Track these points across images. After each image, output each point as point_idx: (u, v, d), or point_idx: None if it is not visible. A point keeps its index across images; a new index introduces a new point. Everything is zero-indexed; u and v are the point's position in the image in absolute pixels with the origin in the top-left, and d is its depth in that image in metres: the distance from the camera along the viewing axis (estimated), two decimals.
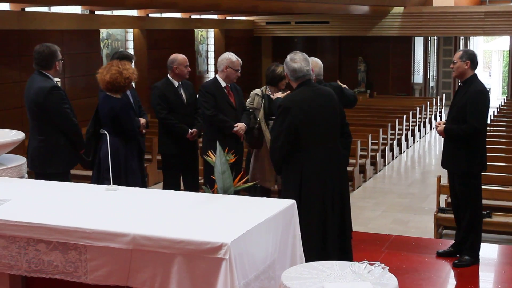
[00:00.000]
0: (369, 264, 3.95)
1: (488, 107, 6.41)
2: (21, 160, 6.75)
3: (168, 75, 7.56)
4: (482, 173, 9.66)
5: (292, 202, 4.42)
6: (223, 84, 7.33)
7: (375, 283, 3.69)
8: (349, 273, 3.83)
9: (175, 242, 3.67)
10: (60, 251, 3.90)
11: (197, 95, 7.74)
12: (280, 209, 4.26)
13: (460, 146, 6.39)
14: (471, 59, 6.38)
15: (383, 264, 3.94)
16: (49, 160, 6.47)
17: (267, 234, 4.05)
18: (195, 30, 22.31)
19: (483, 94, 6.35)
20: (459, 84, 6.54)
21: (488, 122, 18.16)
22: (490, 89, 31.26)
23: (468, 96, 6.27)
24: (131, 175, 6.53)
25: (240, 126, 7.15)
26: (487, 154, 12.34)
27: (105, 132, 5.40)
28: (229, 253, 3.57)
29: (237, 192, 5.03)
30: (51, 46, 6.58)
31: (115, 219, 4.01)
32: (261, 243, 3.97)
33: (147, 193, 4.77)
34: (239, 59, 7.42)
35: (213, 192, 4.79)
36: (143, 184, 6.99)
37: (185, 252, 3.65)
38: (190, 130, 7.44)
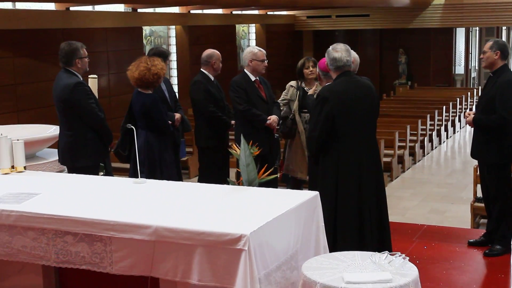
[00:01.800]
0: (390, 254, 3.92)
1: None
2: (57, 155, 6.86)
3: (203, 70, 7.49)
4: None
5: (315, 193, 4.40)
6: (253, 78, 7.28)
7: (395, 273, 3.66)
8: (370, 264, 3.81)
9: (196, 233, 3.68)
10: (86, 242, 3.94)
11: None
12: (302, 200, 4.24)
13: (489, 137, 6.29)
14: (501, 49, 6.26)
15: (404, 255, 3.90)
16: (78, 154, 6.47)
17: (288, 225, 4.03)
18: (236, 25, 22.30)
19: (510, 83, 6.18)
20: (490, 74, 6.39)
21: None
22: None
23: (498, 86, 6.16)
24: (165, 168, 6.55)
25: (273, 119, 7.12)
26: None
27: (132, 126, 5.42)
28: (248, 244, 3.56)
29: (269, 184, 5.02)
30: (72, 44, 6.53)
31: (139, 212, 4.03)
32: (283, 234, 3.95)
33: (173, 186, 4.77)
34: (262, 50, 7.37)
35: (238, 185, 4.79)
36: (179, 176, 7.01)
37: (206, 244, 3.66)
38: (232, 122, 7.47)
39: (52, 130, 7.11)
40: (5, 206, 4.18)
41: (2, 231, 4.16)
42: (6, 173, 5.14)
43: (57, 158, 6.94)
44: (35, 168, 6.21)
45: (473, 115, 6.36)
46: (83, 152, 6.49)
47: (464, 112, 6.18)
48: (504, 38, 27.09)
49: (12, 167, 5.19)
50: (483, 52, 6.37)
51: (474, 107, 17.80)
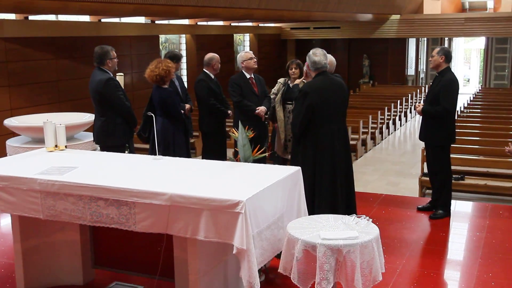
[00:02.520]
0: (357, 217, 3.93)
1: (457, 93, 6.37)
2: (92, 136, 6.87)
3: (205, 70, 7.46)
4: (459, 145, 9.54)
5: (298, 168, 4.39)
6: (248, 75, 7.27)
7: (361, 232, 3.68)
8: (341, 224, 3.82)
9: (202, 199, 3.67)
10: (115, 206, 3.94)
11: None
12: (288, 174, 4.24)
13: (434, 123, 6.37)
14: (446, 54, 6.38)
15: (367, 217, 3.92)
16: (109, 135, 6.50)
17: (276, 193, 4.04)
18: (234, 34, 22.27)
19: (454, 82, 6.31)
20: (436, 74, 6.45)
21: (463, 106, 18.05)
22: (469, 79, 30.80)
23: (442, 84, 6.26)
24: (177, 148, 6.55)
25: (261, 109, 7.10)
26: (464, 132, 12.25)
27: (151, 114, 5.42)
28: (245, 208, 3.57)
29: (260, 161, 5.02)
30: (104, 47, 6.55)
31: (157, 182, 4.02)
32: (272, 200, 3.97)
33: (184, 162, 4.76)
34: (248, 51, 7.44)
35: (236, 161, 4.80)
36: (188, 155, 6.99)
37: (211, 207, 3.65)
38: (229, 111, 7.46)
39: (86, 117, 7.10)
40: (50, 177, 4.17)
41: (47, 197, 4.15)
42: (50, 151, 5.12)
43: (92, 139, 6.96)
44: (74, 147, 6.20)
45: (422, 106, 6.42)
46: (113, 134, 6.50)
47: (415, 105, 6.25)
48: (445, 45, 27.14)
49: (56, 146, 5.17)
50: (431, 56, 6.46)
51: (422, 100, 17.94)
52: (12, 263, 5.13)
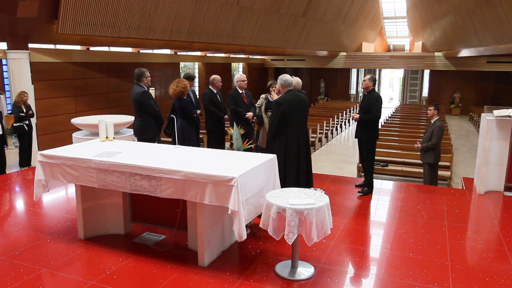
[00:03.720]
0: (314, 189, 3.93)
1: (381, 105, 6.36)
2: (132, 131, 6.80)
3: (210, 87, 7.43)
4: (385, 142, 9.52)
5: (273, 156, 4.37)
6: (240, 91, 7.25)
7: (316, 200, 3.67)
8: (303, 194, 3.81)
9: (208, 176, 3.65)
10: (147, 179, 3.90)
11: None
12: (267, 159, 4.22)
13: (365, 126, 6.35)
14: (373, 80, 6.38)
15: (322, 190, 3.91)
16: (143, 131, 6.48)
17: (259, 172, 4.02)
18: (232, 63, 22.23)
19: (380, 98, 6.32)
20: (365, 93, 6.44)
21: (388, 116, 18.07)
22: (392, 98, 30.97)
23: (372, 100, 6.25)
24: (191, 141, 6.50)
25: (250, 114, 7.08)
26: (388, 133, 12.24)
27: (173, 116, 5.40)
28: (237, 182, 3.55)
29: (248, 150, 5.00)
30: (141, 69, 6.54)
31: (176, 163, 3.98)
32: (255, 177, 3.94)
33: (195, 150, 4.72)
34: (243, 75, 7.40)
35: (231, 150, 4.78)
36: (198, 145, 6.94)
37: (213, 181, 3.63)
38: (225, 116, 7.41)
39: (128, 118, 7.02)
40: (102, 159, 4.13)
41: (100, 172, 4.10)
42: (103, 141, 5.07)
43: (132, 133, 6.91)
44: (119, 138, 6.12)
45: (358, 115, 6.41)
46: (146, 130, 6.47)
47: (353, 114, 6.20)
48: (377, 74, 27.20)
49: (106, 137, 5.12)
50: (363, 81, 6.45)
51: (358, 110, 18.16)
52: (75, 218, 5.08)
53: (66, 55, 12.00)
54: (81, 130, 7.42)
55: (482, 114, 6.73)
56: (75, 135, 7.11)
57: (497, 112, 6.42)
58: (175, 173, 3.77)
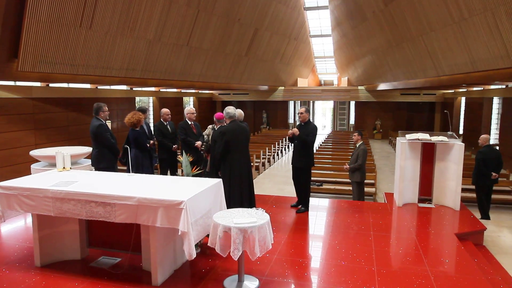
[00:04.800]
0: (256, 209, 3.92)
1: (316, 132, 6.30)
2: (89, 162, 6.51)
3: (161, 119, 7.33)
4: (320, 165, 9.66)
5: (219, 180, 4.33)
6: (190, 122, 7.20)
7: (258, 218, 3.66)
8: (247, 214, 3.79)
9: (159, 200, 3.55)
10: (102, 206, 3.73)
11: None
12: (214, 183, 4.17)
13: (301, 153, 6.28)
14: (309, 111, 6.42)
15: (262, 209, 3.92)
16: (99, 161, 6.25)
17: (207, 195, 3.96)
18: (183, 97, 22.07)
19: (315, 127, 6.28)
20: (302, 123, 6.38)
21: (323, 140, 18.52)
22: (325, 126, 31.91)
23: (309, 129, 6.21)
24: (145, 169, 6.30)
25: (198, 143, 7.02)
26: (322, 157, 12.51)
27: (127, 146, 5.24)
28: (186, 206, 3.48)
29: (196, 176, 4.92)
30: (99, 104, 6.40)
31: (130, 190, 3.84)
32: (203, 200, 3.88)
33: (148, 177, 4.59)
34: (192, 108, 7.34)
35: (181, 175, 4.69)
36: (152, 173, 6.75)
37: (164, 205, 3.54)
38: (174, 146, 7.28)
39: (85, 150, 6.71)
40: (59, 188, 3.91)
41: (57, 201, 3.88)
42: (60, 171, 4.82)
43: (89, 163, 6.61)
44: (77, 168, 5.84)
45: (297, 132, 6.26)
46: (102, 160, 6.23)
47: (294, 130, 6.07)
48: (311, 105, 27.98)
49: (64, 167, 4.87)
50: (300, 113, 6.39)
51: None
52: (32, 246, 4.74)
53: (26, 91, 11.43)
54: (40, 161, 7.02)
55: (397, 138, 7.09)
56: (33, 166, 6.70)
57: (408, 136, 6.79)
58: (128, 199, 3.63)
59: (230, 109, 5.43)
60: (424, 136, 6.68)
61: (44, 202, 3.92)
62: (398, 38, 12.45)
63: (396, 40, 12.74)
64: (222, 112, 5.73)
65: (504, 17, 6.94)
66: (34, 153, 6.79)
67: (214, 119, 6.46)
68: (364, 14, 14.43)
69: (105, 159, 6.26)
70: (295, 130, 6.22)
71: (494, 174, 7.51)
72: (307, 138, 6.14)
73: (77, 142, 12.58)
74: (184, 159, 4.57)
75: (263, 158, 14.37)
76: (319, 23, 22.55)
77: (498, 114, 16.06)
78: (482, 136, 7.76)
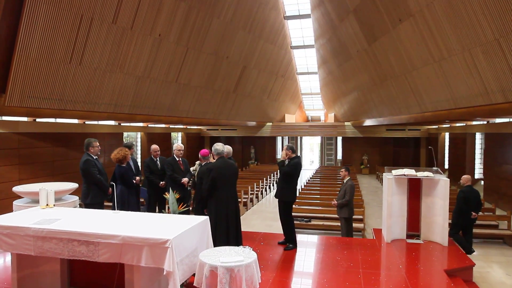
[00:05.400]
0: (243, 247, 3.86)
1: (295, 167, 6.24)
2: (75, 198, 6.38)
3: (151, 155, 7.31)
4: (308, 200, 9.59)
5: (206, 217, 4.27)
6: (177, 158, 7.17)
7: (245, 257, 3.60)
8: (233, 252, 3.72)
9: (144, 239, 3.48)
10: (85, 245, 3.63)
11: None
12: (200, 221, 4.12)
13: (283, 186, 6.26)
14: (291, 148, 6.45)
15: (249, 247, 3.85)
16: (87, 196, 6.16)
17: (193, 233, 3.90)
18: (171, 133, 22.09)
19: (295, 163, 6.28)
20: (287, 160, 6.42)
21: (311, 175, 18.54)
22: (313, 161, 32.08)
23: (292, 164, 6.25)
24: (131, 206, 6.22)
25: (185, 179, 6.97)
26: (310, 192, 12.46)
27: (113, 183, 5.18)
28: (171, 244, 3.41)
29: (183, 213, 4.85)
30: (89, 139, 6.40)
31: (114, 228, 3.77)
32: (190, 238, 3.82)
33: (133, 214, 4.51)
34: (180, 145, 7.34)
35: (168, 213, 4.62)
36: (138, 209, 6.64)
37: (149, 244, 3.46)
38: (161, 183, 7.21)
39: (70, 186, 6.60)
40: (40, 226, 3.81)
41: (38, 240, 3.76)
42: (43, 208, 4.71)
43: (74, 199, 6.49)
44: (60, 205, 5.71)
45: (286, 158, 6.32)
46: (90, 195, 6.15)
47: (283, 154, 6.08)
48: (298, 140, 28.21)
49: (47, 204, 4.76)
50: (284, 150, 6.46)
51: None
52: None
53: (12, 126, 11.33)
54: (23, 197, 6.86)
55: (384, 173, 7.15)
56: (16, 203, 6.53)
57: (395, 172, 6.85)
58: (112, 237, 3.55)
59: (218, 146, 5.44)
60: (410, 171, 6.75)
61: (25, 240, 3.80)
62: (382, 75, 12.83)
63: (380, 78, 13.11)
64: (209, 149, 5.75)
65: (481, 57, 7.23)
66: (17, 189, 6.64)
67: (199, 155, 6.46)
68: (349, 52, 14.90)
69: (92, 195, 6.18)
70: (283, 154, 6.32)
71: (474, 213, 7.66)
72: (281, 168, 6.21)
73: (62, 177, 12.39)
74: (170, 196, 4.52)
75: (251, 194, 14.27)
76: (306, 61, 23.17)
77: (481, 149, 16.39)
78: (464, 176, 7.97)
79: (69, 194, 7.21)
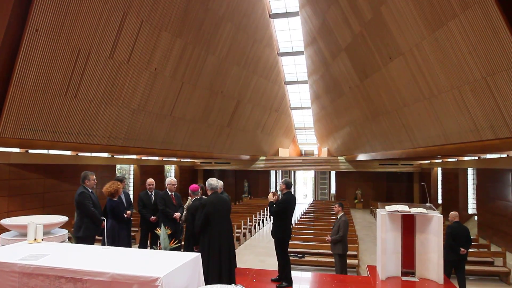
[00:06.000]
0: (235, 285, 3.76)
1: (286, 204, 6.18)
2: (64, 231, 6.23)
3: (147, 189, 7.26)
4: (301, 236, 9.48)
5: (198, 254, 4.18)
6: (170, 193, 7.12)
7: None
8: None
9: (134, 276, 3.38)
10: (72, 282, 3.52)
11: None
12: (192, 258, 4.03)
13: (276, 225, 6.20)
14: (286, 183, 6.43)
15: (242, 286, 3.76)
16: (78, 229, 6.08)
17: (184, 270, 3.81)
18: (165, 165, 21.99)
19: (284, 199, 6.19)
20: (282, 194, 6.41)
21: (305, 210, 18.40)
22: (307, 195, 31.89)
23: (281, 201, 6.20)
24: (121, 241, 6.10)
25: (177, 214, 6.89)
26: (304, 227, 12.33)
27: (104, 218, 5.10)
28: (162, 282, 3.32)
29: (175, 249, 4.76)
30: (86, 172, 6.43)
31: (103, 265, 3.67)
32: (181, 276, 3.72)
33: (123, 250, 4.41)
34: (173, 179, 7.31)
35: (159, 249, 4.53)
36: (129, 245, 6.51)
37: (139, 282, 3.37)
38: (152, 217, 7.11)
39: (60, 219, 6.47)
40: (27, 262, 3.70)
41: (24, 276, 3.65)
42: (31, 243, 4.59)
43: (63, 233, 6.36)
44: (49, 240, 5.58)
45: (276, 198, 6.28)
46: (82, 228, 6.06)
47: (274, 195, 5.99)
48: (292, 174, 28.16)
49: (35, 239, 4.66)
50: (279, 184, 6.48)
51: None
52: None
53: (4, 157, 11.23)
54: (11, 231, 6.70)
55: (377, 209, 7.12)
56: (3, 236, 6.36)
57: (388, 208, 6.83)
58: (101, 275, 3.45)
59: (213, 181, 5.43)
60: (403, 208, 6.73)
61: (10, 277, 3.68)
62: (374, 111, 13.03)
63: (372, 114, 13.31)
64: (202, 183, 5.71)
65: (470, 94, 7.40)
66: (4, 222, 6.48)
67: (189, 191, 6.41)
68: (341, 88, 15.19)
69: (84, 228, 6.08)
70: (272, 196, 6.27)
71: (462, 249, 7.65)
72: (271, 209, 6.18)
73: (53, 209, 12.17)
74: (162, 232, 4.45)
75: (244, 229, 14.07)
76: (299, 96, 23.54)
77: (473, 184, 16.46)
78: (451, 213, 8.07)
79: (59, 228, 7.08)
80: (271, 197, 6.24)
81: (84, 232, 6.09)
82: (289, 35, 19.38)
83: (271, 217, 6.27)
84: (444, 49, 7.43)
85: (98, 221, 6.24)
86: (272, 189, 27.81)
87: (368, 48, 10.86)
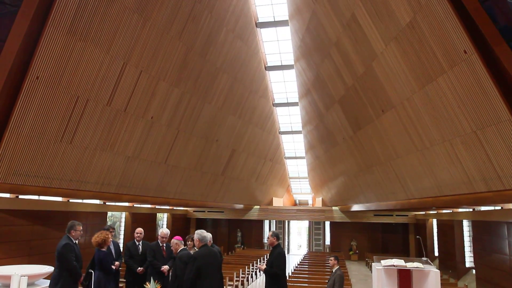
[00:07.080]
0: None
1: (283, 260, 6.08)
2: (47, 283, 6.01)
3: (135, 239, 7.09)
4: None
5: None
6: (161, 244, 6.97)
7: None
8: None
9: None
10: None
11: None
12: None
13: (271, 282, 6.04)
14: (276, 235, 6.34)
15: None
16: (55, 284, 5.80)
17: None
18: (157, 213, 21.62)
19: (281, 254, 6.14)
20: (271, 248, 6.28)
21: (299, 261, 17.96)
22: (301, 245, 31.23)
23: (275, 255, 6.09)
24: None
25: (165, 267, 6.70)
26: (298, 280, 12.00)
27: (91, 271, 4.93)
28: None
29: None
30: (73, 222, 6.26)
31: None
32: None
33: None
34: (166, 231, 7.19)
35: None
36: None
37: None
38: (139, 269, 6.89)
39: (45, 269, 6.25)
40: None
41: None
42: None
43: (46, 286, 6.10)
44: None
45: (264, 266, 6.19)
46: (61, 282, 5.79)
47: (259, 265, 5.81)
48: (286, 224, 27.75)
49: None
50: (268, 237, 6.35)
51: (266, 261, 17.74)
52: None
53: None
54: None
55: (372, 263, 6.96)
56: None
57: (384, 262, 6.68)
58: None
59: (204, 233, 5.37)
60: (399, 262, 6.59)
61: None
62: (368, 162, 13.11)
63: (366, 164, 13.39)
64: (193, 232, 5.59)
65: (461, 147, 7.51)
66: None
67: (173, 242, 6.24)
68: (335, 139, 15.38)
69: (63, 282, 5.81)
70: (261, 267, 6.22)
71: None
72: (270, 270, 6.02)
73: (39, 258, 11.74)
74: (151, 286, 4.28)
75: (236, 281, 13.61)
76: (294, 145, 23.76)
77: (469, 237, 16.25)
78: None
79: (44, 279, 6.80)
80: (262, 267, 6.15)
81: (62, 286, 5.84)
82: (284, 86, 19.92)
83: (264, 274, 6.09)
84: (434, 103, 7.64)
85: (77, 276, 6.01)
86: (266, 240, 27.26)
87: (360, 100, 11.14)
